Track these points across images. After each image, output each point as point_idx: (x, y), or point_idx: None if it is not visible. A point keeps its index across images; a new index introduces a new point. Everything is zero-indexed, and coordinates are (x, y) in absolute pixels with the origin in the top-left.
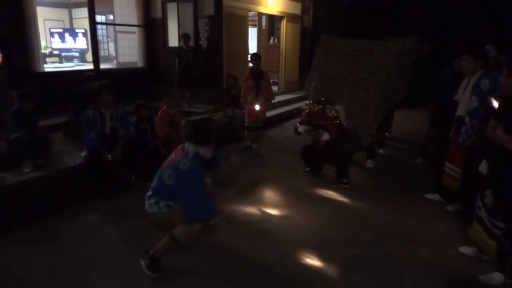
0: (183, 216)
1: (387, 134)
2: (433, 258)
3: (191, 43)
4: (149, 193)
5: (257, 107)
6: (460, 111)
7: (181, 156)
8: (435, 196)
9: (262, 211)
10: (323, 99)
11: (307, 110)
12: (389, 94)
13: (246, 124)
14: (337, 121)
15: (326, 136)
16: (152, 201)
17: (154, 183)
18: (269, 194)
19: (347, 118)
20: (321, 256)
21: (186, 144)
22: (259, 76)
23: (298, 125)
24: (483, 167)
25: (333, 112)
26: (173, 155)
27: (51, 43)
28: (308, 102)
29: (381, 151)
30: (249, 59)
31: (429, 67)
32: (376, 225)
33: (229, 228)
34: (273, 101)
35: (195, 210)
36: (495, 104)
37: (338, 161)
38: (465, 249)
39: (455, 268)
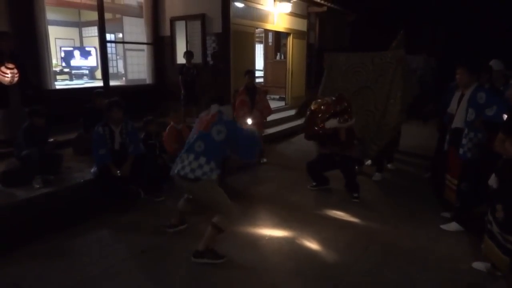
0: (245, 153)
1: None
2: (446, 274)
3: (199, 60)
4: (190, 158)
5: (249, 121)
6: (455, 123)
7: (215, 120)
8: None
9: (268, 229)
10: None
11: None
12: (397, 104)
13: None
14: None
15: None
16: (195, 164)
17: (198, 147)
18: (276, 211)
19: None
20: (330, 274)
21: (212, 108)
22: (253, 91)
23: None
24: (492, 181)
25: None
26: (201, 124)
27: (62, 61)
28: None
29: (389, 165)
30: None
31: (436, 80)
32: (386, 241)
33: (236, 240)
34: (279, 117)
35: (251, 140)
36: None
37: (345, 169)
38: (478, 265)
39: (469, 284)
